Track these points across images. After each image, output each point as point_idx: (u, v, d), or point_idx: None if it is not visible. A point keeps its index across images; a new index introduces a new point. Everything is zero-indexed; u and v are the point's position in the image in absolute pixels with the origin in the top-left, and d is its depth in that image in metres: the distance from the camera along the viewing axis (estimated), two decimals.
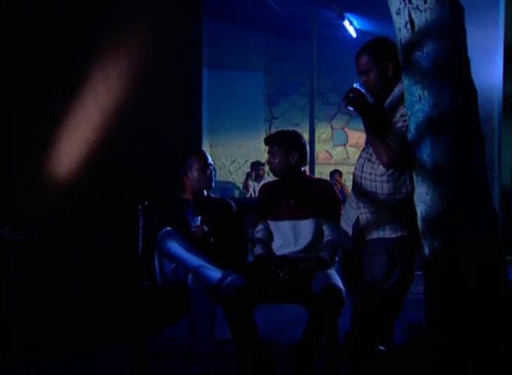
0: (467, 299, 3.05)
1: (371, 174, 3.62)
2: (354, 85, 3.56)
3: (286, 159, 4.27)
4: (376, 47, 3.63)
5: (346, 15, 11.70)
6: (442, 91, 3.03)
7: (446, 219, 3.06)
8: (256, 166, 12.00)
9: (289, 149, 4.27)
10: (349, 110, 3.58)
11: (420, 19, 3.05)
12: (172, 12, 6.30)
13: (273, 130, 13.72)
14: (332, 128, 14.17)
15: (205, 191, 4.51)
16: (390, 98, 3.60)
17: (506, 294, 3.10)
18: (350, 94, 3.52)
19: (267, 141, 4.40)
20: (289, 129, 4.49)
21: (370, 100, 3.55)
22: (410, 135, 3.19)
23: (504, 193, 5.12)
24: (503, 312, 3.07)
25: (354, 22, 12.07)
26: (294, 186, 4.32)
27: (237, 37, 13.16)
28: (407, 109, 3.19)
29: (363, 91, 3.54)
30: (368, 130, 3.57)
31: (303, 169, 4.36)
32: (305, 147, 4.35)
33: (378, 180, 3.59)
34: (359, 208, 3.68)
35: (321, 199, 4.26)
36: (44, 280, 4.79)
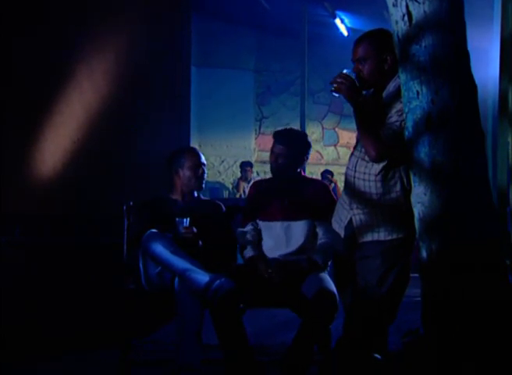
0: (467, 304, 2.98)
1: (365, 173, 3.53)
2: (344, 71, 3.46)
3: (291, 162, 4.16)
4: (379, 37, 3.51)
5: (338, 13, 11.65)
6: (441, 87, 2.95)
7: (445, 220, 2.99)
8: (244, 166, 11.94)
9: (295, 152, 4.15)
10: (334, 96, 3.48)
11: (418, 12, 2.97)
12: (161, 9, 6.25)
13: (263, 130, 13.68)
14: (322, 128, 14.11)
15: (195, 192, 4.39)
16: (385, 93, 3.52)
17: (507, 298, 3.01)
18: (338, 80, 3.41)
19: (277, 139, 4.21)
20: (301, 131, 4.43)
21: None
22: (407, 133, 3.10)
23: (500, 193, 5.05)
24: (503, 316, 2.97)
25: (346, 20, 12.02)
26: (288, 186, 4.21)
27: (227, 35, 13.08)
28: (404, 106, 3.11)
29: (353, 77, 3.43)
30: (357, 119, 3.45)
31: (298, 169, 4.25)
32: (309, 152, 4.27)
33: (372, 179, 3.50)
34: (352, 209, 3.59)
35: (316, 200, 4.16)
36: (24, 282, 4.69)
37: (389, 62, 3.46)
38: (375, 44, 3.49)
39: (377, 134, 3.36)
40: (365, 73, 3.51)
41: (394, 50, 3.24)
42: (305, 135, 4.33)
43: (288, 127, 4.36)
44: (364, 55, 3.50)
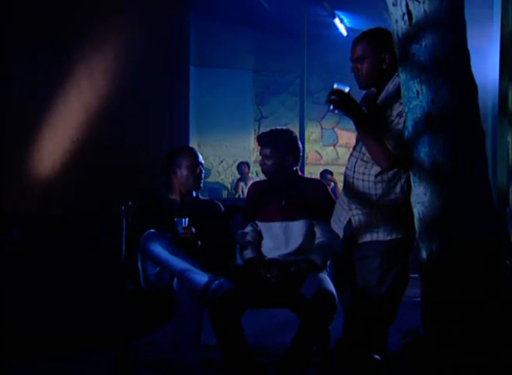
0: (467, 304, 2.95)
1: (364, 174, 3.51)
2: (335, 86, 3.36)
3: (280, 162, 4.12)
4: (377, 36, 3.49)
5: (337, 13, 11.62)
6: (441, 87, 2.92)
7: (445, 220, 2.96)
8: (241, 166, 11.94)
9: (284, 152, 4.12)
10: (335, 113, 3.43)
11: (418, 11, 2.94)
12: (160, 8, 6.23)
13: (262, 130, 13.62)
14: (321, 128, 14.08)
15: (194, 192, 4.37)
16: (384, 94, 3.49)
17: (507, 298, 2.99)
18: (333, 97, 3.34)
19: (260, 142, 4.21)
20: (284, 128, 4.30)
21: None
22: (407, 133, 3.07)
23: (500, 193, 5.03)
24: (503, 316, 2.96)
25: (345, 20, 12.00)
26: (286, 186, 4.19)
27: (226, 34, 13.05)
28: (404, 106, 3.08)
29: (346, 90, 3.35)
30: (361, 131, 3.42)
31: (295, 168, 4.22)
32: (300, 147, 4.19)
33: (371, 180, 3.48)
34: (351, 209, 3.57)
35: (314, 200, 4.13)
36: (23, 282, 4.67)
37: (387, 61, 3.44)
38: (374, 43, 3.47)
39: (383, 143, 3.34)
40: (363, 73, 3.48)
41: (393, 49, 3.21)
42: (289, 132, 4.23)
43: (272, 128, 4.31)
44: (363, 54, 3.47)
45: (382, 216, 3.49)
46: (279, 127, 4.32)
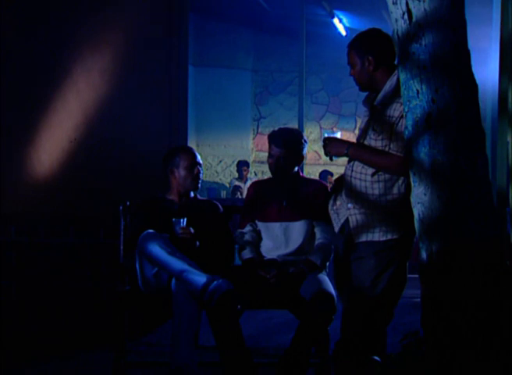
0: (467, 306, 2.93)
1: (361, 173, 3.54)
2: (325, 135, 3.56)
3: (288, 162, 4.12)
4: (358, 42, 3.61)
5: (336, 13, 11.61)
6: (441, 86, 2.91)
7: (445, 221, 2.94)
8: (240, 166, 11.92)
9: (293, 152, 4.12)
10: (334, 159, 3.70)
11: (418, 10, 2.92)
12: (158, 8, 6.21)
13: (261, 130, 13.64)
14: (320, 128, 14.05)
15: (192, 192, 4.35)
16: (382, 93, 3.54)
17: (507, 299, 2.97)
18: (327, 148, 3.61)
19: (272, 141, 4.18)
20: (294, 128, 4.41)
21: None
22: (407, 132, 3.06)
23: (500, 193, 5.03)
24: (503, 317, 2.94)
25: (344, 20, 11.99)
26: (287, 186, 4.18)
27: (225, 34, 13.04)
28: (404, 105, 3.07)
29: (337, 135, 3.58)
30: (361, 159, 3.53)
31: (296, 168, 4.21)
32: (305, 148, 4.22)
33: (368, 179, 3.51)
34: (349, 208, 3.58)
35: (314, 200, 4.12)
36: (20, 283, 4.66)
37: (372, 62, 3.53)
38: (356, 49, 3.58)
39: (388, 154, 3.40)
40: (356, 77, 3.61)
41: (376, 50, 3.42)
42: (300, 133, 4.28)
43: (282, 127, 4.32)
44: (350, 61, 3.62)
45: (378, 216, 3.50)
46: (290, 127, 4.41)
